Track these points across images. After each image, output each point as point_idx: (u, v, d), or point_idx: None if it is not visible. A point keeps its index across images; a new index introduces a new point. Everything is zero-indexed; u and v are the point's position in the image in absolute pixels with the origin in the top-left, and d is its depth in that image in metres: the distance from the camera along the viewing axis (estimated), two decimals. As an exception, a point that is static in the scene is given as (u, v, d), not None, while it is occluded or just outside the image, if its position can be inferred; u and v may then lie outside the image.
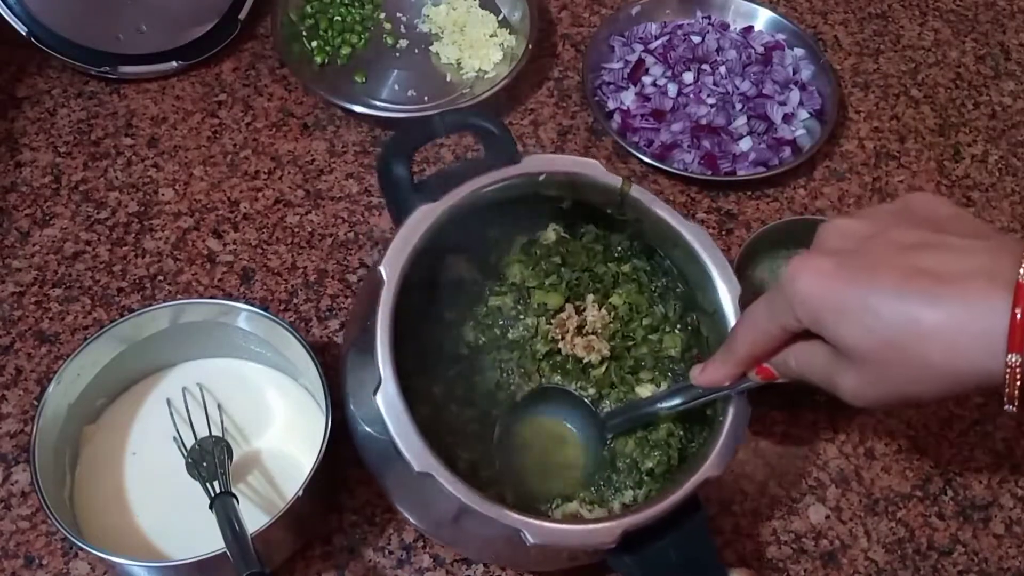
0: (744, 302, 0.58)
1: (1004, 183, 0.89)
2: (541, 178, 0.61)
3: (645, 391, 0.64)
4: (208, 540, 0.57)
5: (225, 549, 0.56)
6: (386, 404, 0.51)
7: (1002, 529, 0.70)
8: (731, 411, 0.56)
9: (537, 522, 0.51)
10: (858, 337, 0.43)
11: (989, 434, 0.74)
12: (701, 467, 0.54)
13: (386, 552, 0.67)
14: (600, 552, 0.53)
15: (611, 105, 0.90)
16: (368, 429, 0.57)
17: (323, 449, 0.61)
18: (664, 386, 0.64)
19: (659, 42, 0.93)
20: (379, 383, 0.52)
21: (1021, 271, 0.39)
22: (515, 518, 0.51)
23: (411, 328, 0.62)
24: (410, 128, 0.62)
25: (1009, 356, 0.40)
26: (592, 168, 0.62)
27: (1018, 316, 0.39)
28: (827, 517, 0.70)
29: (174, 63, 0.91)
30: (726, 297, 0.59)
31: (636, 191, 0.62)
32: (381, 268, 0.54)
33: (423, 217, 0.57)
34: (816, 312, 0.44)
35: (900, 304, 0.42)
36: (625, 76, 0.91)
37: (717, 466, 0.54)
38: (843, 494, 0.71)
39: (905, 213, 0.46)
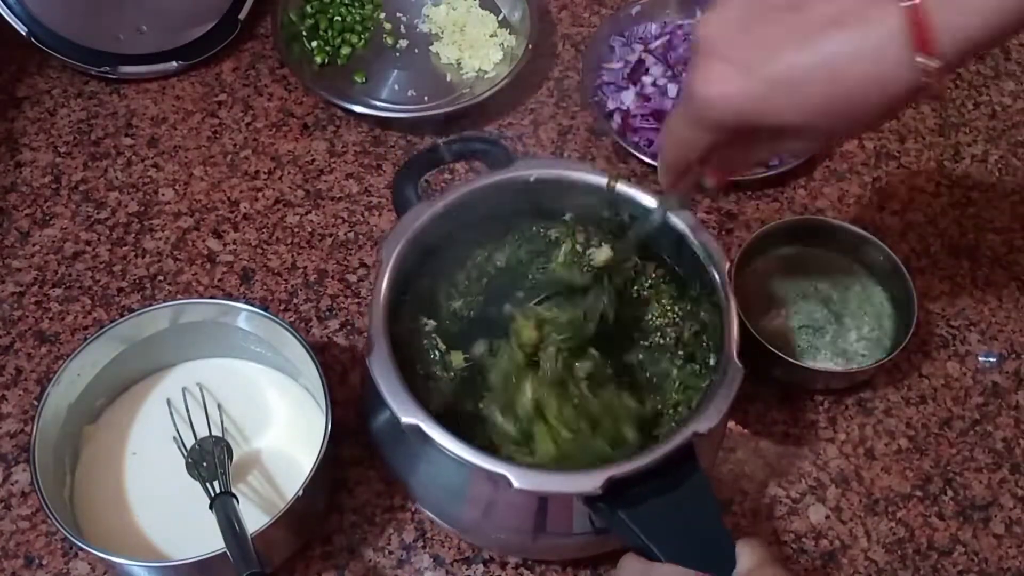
0: (731, 274, 0.62)
1: (1004, 183, 0.89)
2: (532, 179, 0.65)
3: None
4: (208, 540, 0.57)
5: (225, 549, 0.56)
6: (377, 366, 0.56)
7: (1002, 529, 0.70)
8: (728, 373, 0.57)
9: (521, 468, 0.53)
10: (793, 116, 0.45)
11: (989, 434, 0.74)
12: (690, 425, 0.55)
13: (386, 552, 0.67)
14: (591, 504, 0.54)
15: (611, 105, 0.90)
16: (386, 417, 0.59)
17: (323, 449, 0.61)
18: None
19: (659, 42, 0.93)
20: (372, 348, 0.56)
21: None
22: (500, 463, 0.53)
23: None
24: (418, 156, 0.68)
25: (918, 59, 0.42)
26: (579, 167, 0.66)
27: (914, 15, 0.41)
28: (827, 517, 0.70)
29: (174, 63, 0.91)
30: (715, 271, 0.61)
31: (624, 186, 0.65)
32: (380, 254, 0.61)
33: (419, 212, 0.63)
34: (746, 120, 0.46)
35: (814, 64, 0.44)
36: (625, 76, 0.91)
37: (707, 421, 0.55)
38: (843, 494, 0.71)
39: None
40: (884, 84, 0.44)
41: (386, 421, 0.60)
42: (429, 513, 0.63)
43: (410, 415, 0.54)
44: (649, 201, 0.64)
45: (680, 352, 0.65)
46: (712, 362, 0.63)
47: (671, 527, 0.52)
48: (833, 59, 0.43)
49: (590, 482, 0.52)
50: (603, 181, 0.64)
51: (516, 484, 0.52)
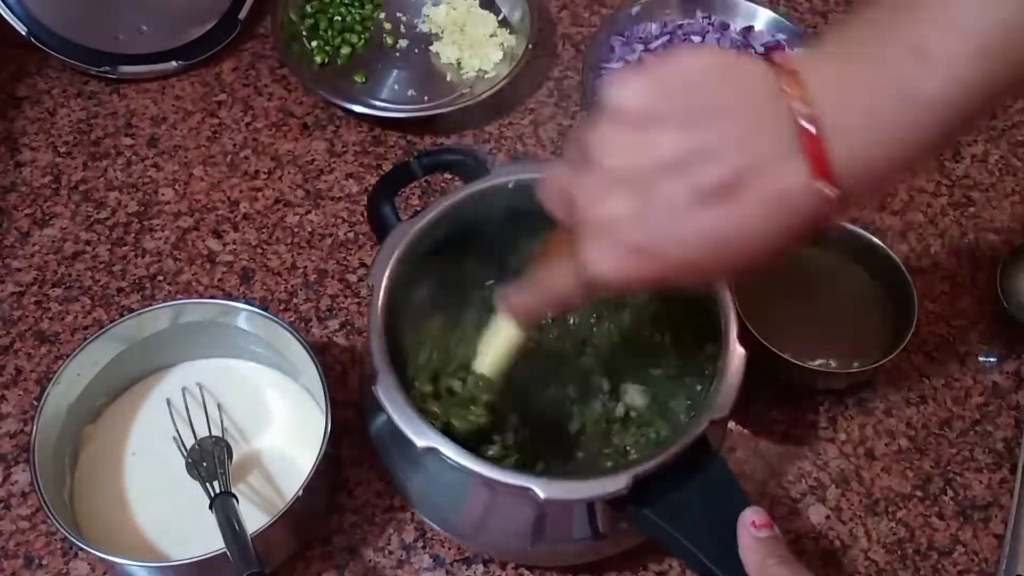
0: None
1: (1004, 183, 0.89)
2: (510, 186, 0.64)
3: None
4: (208, 540, 0.57)
5: (225, 549, 0.56)
6: (384, 393, 0.56)
7: (1002, 529, 0.70)
8: (730, 357, 0.58)
9: (545, 479, 0.53)
10: (690, 281, 0.47)
11: (989, 434, 0.74)
12: (706, 412, 0.56)
13: (386, 552, 0.67)
14: (617, 506, 0.54)
15: (611, 105, 0.90)
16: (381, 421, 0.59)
17: (323, 449, 0.61)
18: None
19: (659, 42, 0.93)
20: (376, 376, 0.56)
21: (792, 107, 0.40)
22: (523, 476, 0.53)
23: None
24: (389, 174, 0.69)
25: (817, 187, 0.40)
26: None
27: (811, 136, 0.40)
28: (827, 517, 0.70)
29: (174, 63, 0.91)
30: None
31: None
32: (370, 281, 0.61)
33: (402, 232, 0.63)
34: (631, 287, 0.45)
35: (709, 248, 0.42)
36: (625, 76, 0.91)
37: (721, 409, 0.56)
38: (843, 494, 0.71)
39: (637, 144, 0.42)
40: (788, 232, 0.42)
41: (384, 430, 0.60)
42: (425, 518, 0.63)
43: (426, 439, 0.54)
44: None
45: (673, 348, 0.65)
46: (709, 351, 0.63)
47: (697, 516, 0.53)
48: (723, 234, 0.41)
49: (615, 484, 0.52)
50: None
51: (543, 496, 0.52)
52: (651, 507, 0.53)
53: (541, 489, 0.52)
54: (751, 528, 0.51)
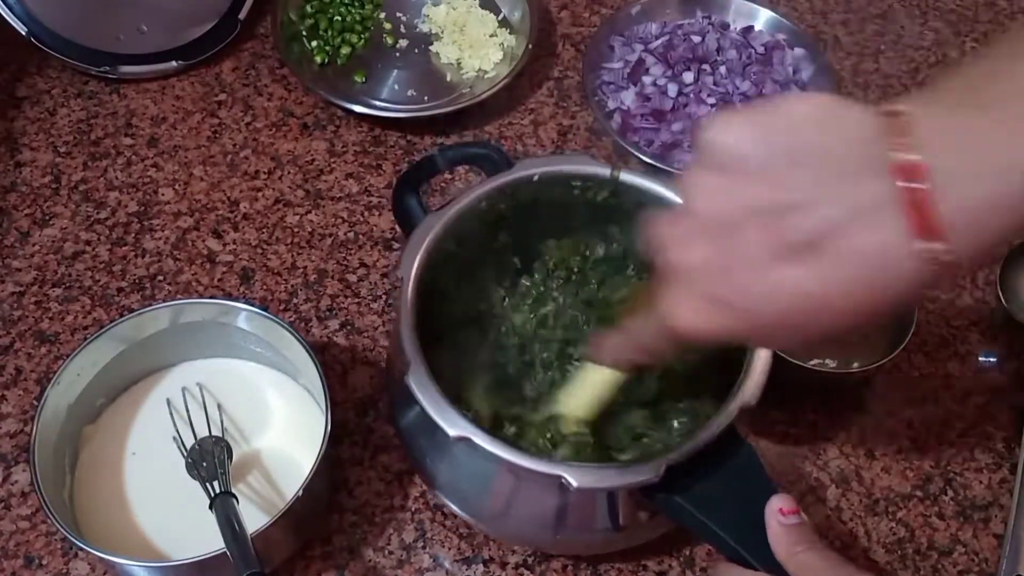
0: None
1: (1004, 183, 0.89)
2: (535, 178, 0.65)
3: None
4: (208, 540, 0.57)
5: (225, 549, 0.56)
6: (417, 384, 0.56)
7: (1002, 529, 0.70)
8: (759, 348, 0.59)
9: (577, 466, 0.54)
10: (782, 345, 0.45)
11: (989, 434, 0.74)
12: (736, 400, 0.56)
13: (386, 552, 0.67)
14: (648, 494, 0.55)
15: (611, 105, 0.90)
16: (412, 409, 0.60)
17: (323, 449, 0.61)
18: None
19: (659, 42, 0.93)
20: (409, 366, 0.57)
21: (891, 155, 0.36)
22: (556, 464, 0.54)
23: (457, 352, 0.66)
24: (414, 167, 0.69)
25: (917, 245, 0.36)
26: (581, 160, 0.67)
27: (911, 186, 0.35)
28: (827, 517, 0.70)
29: (174, 63, 0.91)
30: None
31: (627, 174, 0.65)
32: (399, 272, 0.61)
33: (429, 224, 0.63)
34: (711, 341, 0.43)
35: (792, 306, 0.39)
36: (625, 76, 0.91)
37: (752, 396, 0.56)
38: (843, 494, 0.71)
39: (727, 191, 0.40)
40: (884, 294, 0.39)
41: (414, 420, 0.61)
42: (448, 502, 0.64)
43: (459, 428, 0.55)
44: (653, 187, 0.65)
45: None
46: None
47: (727, 503, 0.53)
48: (808, 292, 0.38)
49: (648, 472, 0.53)
50: (606, 172, 0.65)
51: (575, 484, 0.52)
52: (682, 495, 0.54)
53: (573, 478, 0.53)
54: (779, 515, 0.51)
